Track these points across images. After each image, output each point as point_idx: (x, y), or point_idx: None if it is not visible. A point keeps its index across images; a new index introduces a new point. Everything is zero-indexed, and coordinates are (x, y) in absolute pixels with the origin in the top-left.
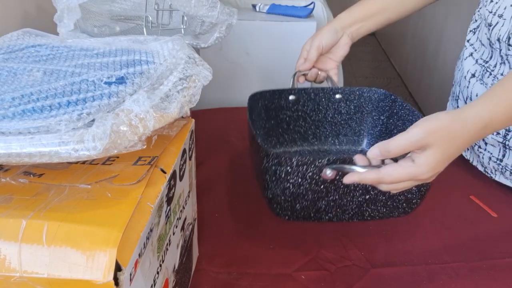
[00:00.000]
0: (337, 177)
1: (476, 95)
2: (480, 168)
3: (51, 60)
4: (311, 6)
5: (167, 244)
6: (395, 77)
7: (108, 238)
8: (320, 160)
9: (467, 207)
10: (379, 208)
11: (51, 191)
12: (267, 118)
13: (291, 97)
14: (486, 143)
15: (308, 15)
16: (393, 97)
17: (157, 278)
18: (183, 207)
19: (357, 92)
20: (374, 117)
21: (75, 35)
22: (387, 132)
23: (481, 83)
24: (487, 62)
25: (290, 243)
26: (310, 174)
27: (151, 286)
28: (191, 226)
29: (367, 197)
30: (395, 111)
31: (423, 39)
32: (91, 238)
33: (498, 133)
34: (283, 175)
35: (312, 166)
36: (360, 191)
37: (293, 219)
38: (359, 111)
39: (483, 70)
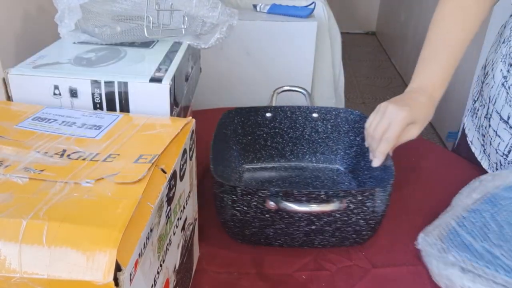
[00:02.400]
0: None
1: None
2: (485, 165)
3: None
4: (312, 6)
5: (167, 244)
6: (395, 77)
7: (108, 238)
8: (263, 191)
9: None
10: (327, 238)
11: (52, 189)
12: (244, 134)
13: (267, 114)
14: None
15: (309, 15)
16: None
17: (158, 278)
18: (184, 207)
19: (334, 112)
20: (351, 137)
21: (76, 35)
22: (361, 154)
23: None
24: None
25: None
26: (254, 203)
27: (152, 286)
28: (191, 226)
29: (313, 227)
30: None
31: (424, 38)
32: (91, 238)
33: None
34: (230, 203)
35: (256, 196)
36: (305, 221)
37: (245, 243)
38: (336, 130)
39: None
